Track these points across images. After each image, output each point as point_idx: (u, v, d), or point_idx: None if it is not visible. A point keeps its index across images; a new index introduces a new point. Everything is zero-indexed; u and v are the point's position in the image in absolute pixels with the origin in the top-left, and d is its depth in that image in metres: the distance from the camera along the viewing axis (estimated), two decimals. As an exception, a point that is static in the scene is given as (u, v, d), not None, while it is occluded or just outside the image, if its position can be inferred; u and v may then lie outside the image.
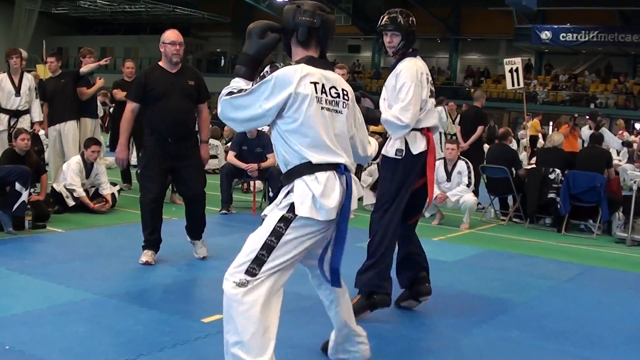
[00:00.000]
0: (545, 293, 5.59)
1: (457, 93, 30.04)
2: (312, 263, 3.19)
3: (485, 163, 9.59)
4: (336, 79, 3.10)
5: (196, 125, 5.87)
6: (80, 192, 7.72)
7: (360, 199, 7.86)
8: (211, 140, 11.41)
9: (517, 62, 12.38)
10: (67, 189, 7.70)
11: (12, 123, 8.29)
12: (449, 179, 8.59)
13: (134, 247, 5.77)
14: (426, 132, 4.42)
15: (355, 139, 3.25)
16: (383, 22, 4.44)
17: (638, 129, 24.42)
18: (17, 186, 6.39)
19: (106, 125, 15.06)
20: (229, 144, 10.09)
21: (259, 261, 2.88)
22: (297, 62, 3.03)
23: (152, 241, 5.64)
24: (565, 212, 8.46)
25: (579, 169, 8.65)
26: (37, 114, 8.50)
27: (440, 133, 12.24)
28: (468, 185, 8.53)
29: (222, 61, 39.62)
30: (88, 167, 7.94)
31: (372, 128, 10.22)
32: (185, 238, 5.89)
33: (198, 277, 5.46)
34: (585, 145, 11.32)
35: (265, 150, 8.32)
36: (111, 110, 13.15)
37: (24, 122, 8.33)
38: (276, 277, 2.90)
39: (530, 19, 30.41)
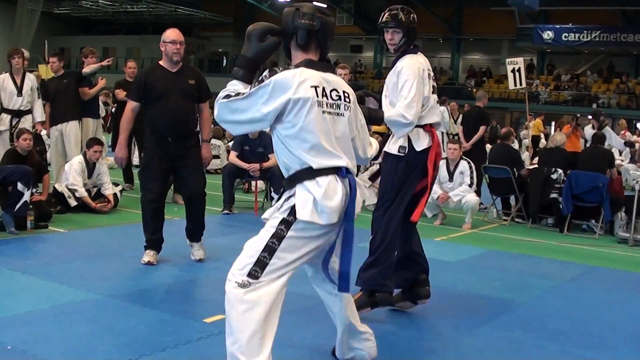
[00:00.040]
0: (548, 293, 5.58)
1: (460, 93, 29.99)
2: (315, 261, 3.17)
3: (487, 163, 9.58)
4: (337, 81, 3.09)
5: (198, 125, 5.85)
6: (82, 192, 7.72)
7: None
8: (213, 140, 11.39)
9: (520, 62, 12.37)
10: (69, 189, 7.71)
11: (14, 123, 8.29)
12: (451, 179, 8.58)
13: (136, 247, 5.77)
14: (429, 128, 4.39)
15: (356, 141, 3.23)
16: (384, 19, 4.40)
17: (640, 128, 24.38)
18: (19, 186, 6.40)
19: (108, 125, 15.07)
20: (230, 144, 10.09)
21: (261, 263, 2.87)
22: (297, 66, 3.01)
23: (154, 241, 5.64)
24: (567, 212, 8.45)
25: (581, 169, 8.64)
26: (39, 114, 8.51)
27: (442, 133, 12.24)
28: (470, 186, 8.53)
29: (224, 61, 39.64)
30: (90, 167, 7.94)
31: (374, 128, 10.21)
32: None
33: (200, 277, 5.45)
34: (588, 145, 11.31)
35: (267, 150, 8.31)
36: (113, 110, 13.15)
37: (26, 122, 8.33)
38: (278, 281, 2.90)
39: (532, 18, 30.36)
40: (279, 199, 3.08)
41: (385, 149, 4.43)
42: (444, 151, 9.60)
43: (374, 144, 3.50)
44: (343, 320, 3.35)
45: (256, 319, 2.82)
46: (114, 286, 4.93)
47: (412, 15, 4.41)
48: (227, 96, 2.97)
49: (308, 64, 3.01)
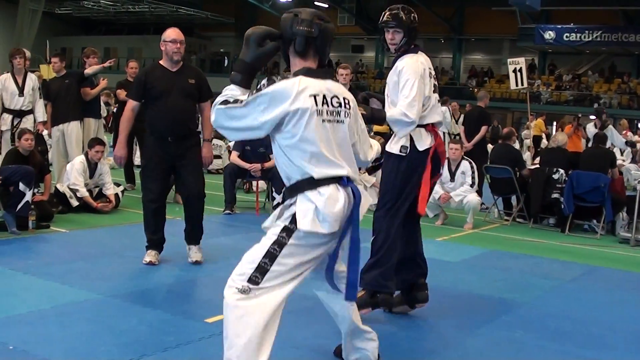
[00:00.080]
0: (549, 293, 5.58)
1: (461, 93, 30.00)
2: (316, 268, 3.12)
3: (488, 163, 9.58)
4: (337, 88, 3.06)
5: (199, 125, 5.84)
6: (83, 192, 7.72)
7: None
8: (214, 140, 11.40)
9: (521, 62, 12.36)
10: (71, 189, 7.71)
11: (15, 123, 8.30)
12: (452, 179, 8.58)
13: (137, 247, 5.77)
14: (431, 128, 4.37)
15: (357, 146, 3.21)
16: (384, 19, 4.38)
17: (642, 128, 24.36)
18: (21, 186, 6.40)
19: (109, 125, 15.06)
20: (232, 144, 10.09)
21: (261, 269, 2.84)
22: (295, 74, 2.98)
23: (155, 241, 5.64)
24: (569, 212, 8.45)
25: (582, 169, 8.63)
26: (41, 114, 8.52)
27: (443, 133, 12.23)
28: (472, 186, 8.53)
29: (226, 61, 39.68)
30: (92, 167, 7.95)
31: (376, 128, 10.22)
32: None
33: (201, 277, 5.45)
34: (590, 144, 11.30)
35: (269, 151, 8.30)
36: (115, 110, 13.15)
37: (27, 122, 8.34)
38: (279, 290, 2.86)
39: (533, 18, 30.35)
40: (279, 204, 3.05)
41: (387, 148, 4.40)
42: (446, 151, 9.59)
43: (375, 146, 3.48)
44: (347, 320, 3.31)
45: (254, 325, 2.79)
46: (115, 286, 4.94)
47: (412, 14, 4.39)
48: (225, 102, 2.94)
49: (307, 72, 2.97)
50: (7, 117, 8.34)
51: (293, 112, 2.86)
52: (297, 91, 2.87)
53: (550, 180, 8.69)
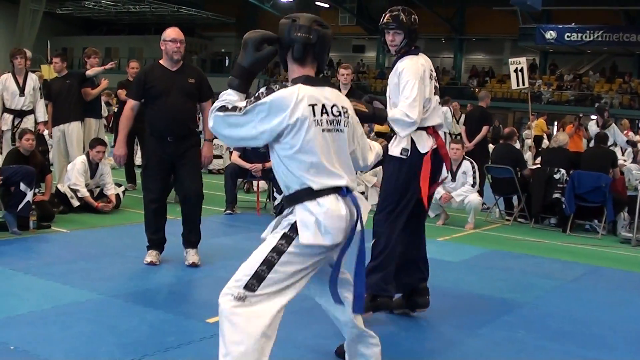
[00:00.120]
0: (550, 293, 5.58)
1: (462, 93, 30.00)
2: (315, 278, 3.05)
3: (490, 163, 9.58)
4: (336, 96, 3.02)
5: (200, 124, 5.82)
6: (84, 192, 7.73)
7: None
8: (216, 140, 11.40)
9: (522, 62, 12.35)
10: (72, 189, 7.71)
11: (16, 123, 8.31)
12: (453, 179, 8.57)
13: (138, 247, 5.77)
14: (432, 131, 4.35)
15: (356, 153, 3.18)
16: (385, 20, 4.36)
17: (643, 128, 24.35)
18: (22, 186, 6.40)
19: (110, 125, 15.08)
20: (233, 144, 10.08)
21: (258, 277, 2.78)
22: (294, 81, 2.94)
23: (156, 241, 5.64)
24: (570, 212, 8.44)
25: (583, 169, 8.63)
26: (42, 114, 8.52)
27: (444, 133, 12.20)
28: (473, 185, 8.52)
29: (227, 61, 39.69)
30: (93, 167, 7.95)
31: (377, 128, 10.22)
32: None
33: (202, 277, 5.45)
34: (591, 143, 11.30)
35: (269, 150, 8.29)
36: (116, 110, 13.17)
37: (28, 122, 8.35)
38: (275, 297, 2.80)
39: (534, 18, 30.35)
40: (280, 205, 3.01)
41: (388, 151, 4.39)
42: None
43: (375, 148, 3.44)
44: (350, 326, 3.23)
45: (249, 333, 2.73)
46: (116, 286, 4.94)
47: (413, 16, 4.37)
48: (223, 107, 2.90)
49: (306, 81, 2.93)
50: (8, 117, 8.35)
51: (292, 123, 2.81)
52: (296, 101, 2.83)
53: (552, 180, 8.69)
